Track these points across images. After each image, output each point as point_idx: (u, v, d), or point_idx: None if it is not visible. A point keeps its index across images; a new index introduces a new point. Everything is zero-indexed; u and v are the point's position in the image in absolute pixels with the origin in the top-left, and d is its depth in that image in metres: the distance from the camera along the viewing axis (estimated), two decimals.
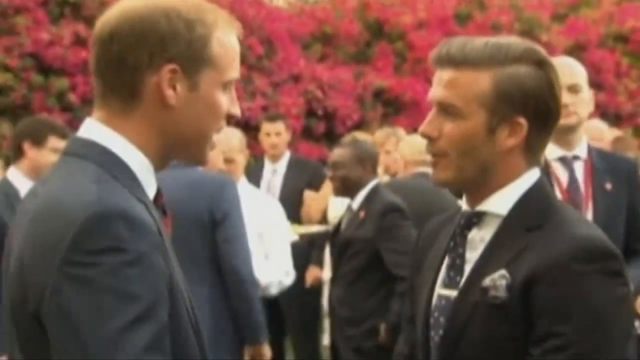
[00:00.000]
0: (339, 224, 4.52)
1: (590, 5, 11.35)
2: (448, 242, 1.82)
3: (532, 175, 1.77)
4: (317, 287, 5.68)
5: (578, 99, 3.25)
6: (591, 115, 3.66)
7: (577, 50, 10.02)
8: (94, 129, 1.49)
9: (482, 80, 1.69)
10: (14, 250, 1.42)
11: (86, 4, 7.86)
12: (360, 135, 5.82)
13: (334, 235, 4.57)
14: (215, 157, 4.13)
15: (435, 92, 1.74)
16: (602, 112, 9.76)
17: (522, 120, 1.71)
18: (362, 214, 4.31)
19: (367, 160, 4.34)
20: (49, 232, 1.34)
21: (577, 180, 3.25)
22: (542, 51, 1.76)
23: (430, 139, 1.74)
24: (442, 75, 1.73)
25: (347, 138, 5.92)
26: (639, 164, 3.44)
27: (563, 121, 3.26)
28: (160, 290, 1.36)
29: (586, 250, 1.63)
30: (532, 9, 10.49)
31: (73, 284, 1.30)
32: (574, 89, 3.25)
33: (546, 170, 3.28)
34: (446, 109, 1.72)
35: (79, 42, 7.72)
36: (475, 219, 1.77)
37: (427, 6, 9.82)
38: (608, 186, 3.23)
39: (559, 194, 3.25)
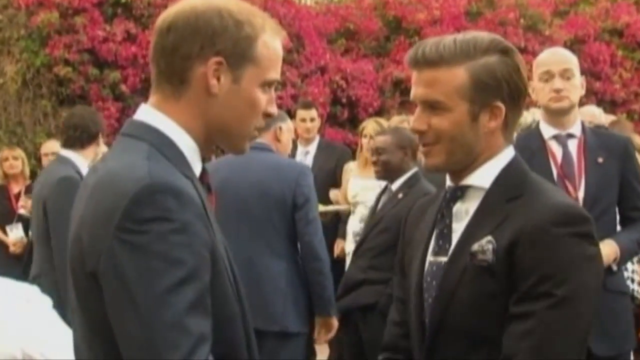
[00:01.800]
0: (377, 203, 4.35)
1: (588, 3, 11.22)
2: (435, 216, 1.83)
3: (509, 152, 1.78)
4: (343, 258, 5.69)
5: (570, 84, 3.23)
6: (587, 101, 3.63)
7: (576, 43, 9.91)
8: (147, 112, 1.51)
9: (459, 75, 1.70)
10: (75, 219, 1.45)
11: (136, 5, 7.89)
12: (380, 121, 5.79)
13: (371, 213, 4.41)
14: (287, 143, 4.15)
15: (418, 91, 1.75)
16: (599, 99, 9.67)
17: (500, 104, 1.72)
18: (400, 195, 4.15)
19: (408, 147, 4.17)
20: (105, 202, 1.36)
21: (570, 155, 3.24)
22: (504, 40, 1.77)
23: (421, 133, 1.75)
24: (421, 76, 1.74)
25: (367, 122, 5.85)
26: (631, 141, 3.42)
27: (556, 105, 3.27)
28: (203, 255, 1.37)
29: (561, 215, 1.65)
30: (535, 6, 10.37)
31: (125, 248, 1.32)
32: (565, 74, 3.23)
33: (543, 148, 3.28)
34: (431, 105, 1.73)
35: (130, 38, 7.76)
36: (460, 192, 1.78)
37: (441, 4, 9.73)
38: (600, 160, 3.21)
39: (554, 169, 3.24)
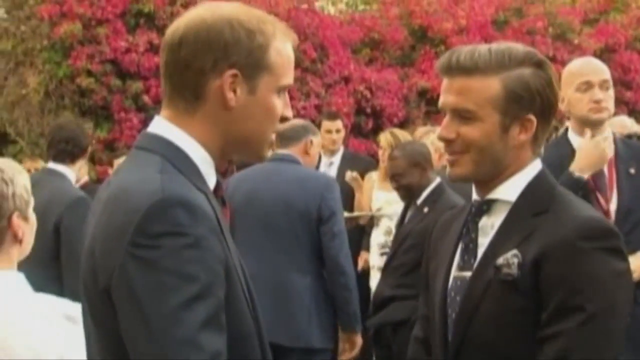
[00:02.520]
0: (404, 217, 4.33)
1: (619, 11, 11.11)
2: (461, 230, 1.81)
3: (536, 165, 1.77)
4: (367, 271, 5.65)
5: (608, 95, 3.20)
6: (618, 111, 3.58)
7: (606, 52, 9.81)
8: (161, 125, 1.50)
9: (493, 85, 1.70)
10: (88, 234, 1.44)
11: (159, 15, 7.92)
12: (396, 132, 5.76)
13: (398, 228, 4.40)
14: (314, 156, 4.13)
15: (448, 99, 1.75)
16: (630, 109, 9.56)
17: (532, 118, 1.72)
18: (425, 209, 4.11)
19: (422, 161, 4.15)
20: (117, 217, 1.35)
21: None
22: (539, 53, 1.76)
23: (448, 141, 1.75)
24: (453, 83, 1.75)
25: (382, 134, 5.77)
26: None
27: (597, 116, 3.23)
28: (217, 271, 1.35)
29: (589, 229, 1.64)
30: (564, 15, 10.29)
31: (138, 264, 1.31)
32: (604, 85, 3.20)
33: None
34: (461, 114, 1.73)
35: (152, 49, 7.78)
36: (485, 206, 1.77)
37: (468, 13, 9.68)
38: (632, 170, 3.18)
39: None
